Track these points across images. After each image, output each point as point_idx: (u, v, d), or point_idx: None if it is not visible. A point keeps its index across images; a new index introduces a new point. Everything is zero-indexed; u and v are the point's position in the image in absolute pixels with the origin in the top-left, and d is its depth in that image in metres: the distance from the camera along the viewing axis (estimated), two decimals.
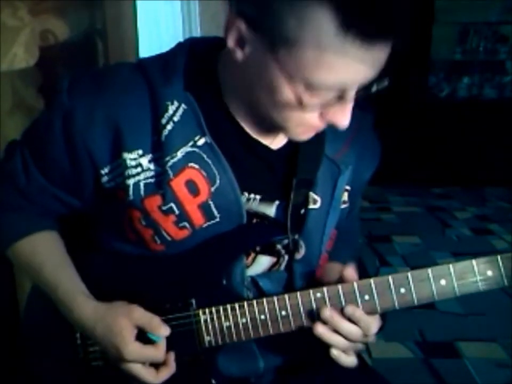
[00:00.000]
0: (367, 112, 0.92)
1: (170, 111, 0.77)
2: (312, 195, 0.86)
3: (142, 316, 0.80)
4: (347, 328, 0.79)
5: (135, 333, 0.79)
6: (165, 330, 0.80)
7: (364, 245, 3.23)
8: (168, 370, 0.81)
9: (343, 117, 0.73)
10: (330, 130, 0.85)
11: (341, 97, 0.70)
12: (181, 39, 0.86)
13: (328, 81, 0.67)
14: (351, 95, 0.70)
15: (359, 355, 0.98)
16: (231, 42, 0.71)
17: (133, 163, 0.77)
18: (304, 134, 0.77)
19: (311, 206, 0.86)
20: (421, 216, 4.00)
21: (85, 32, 1.19)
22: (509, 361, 2.13)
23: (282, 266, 0.90)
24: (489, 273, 0.78)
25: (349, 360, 0.81)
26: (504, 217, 3.86)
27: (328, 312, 0.78)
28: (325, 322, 0.79)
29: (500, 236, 3.52)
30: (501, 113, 4.46)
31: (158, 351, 0.80)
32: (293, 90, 0.69)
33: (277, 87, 0.69)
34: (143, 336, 0.80)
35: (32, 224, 0.89)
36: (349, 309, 0.78)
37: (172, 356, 0.81)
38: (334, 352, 0.80)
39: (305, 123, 0.74)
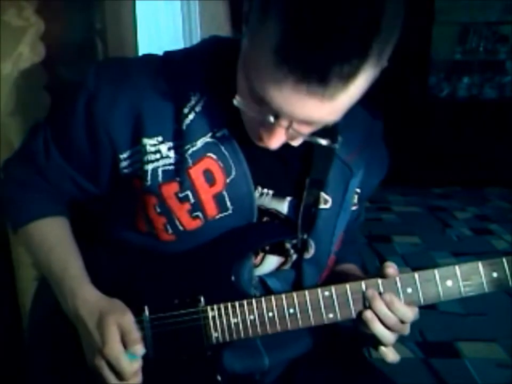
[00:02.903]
0: (377, 120, 0.93)
1: (193, 101, 0.79)
2: (323, 195, 0.86)
3: (130, 323, 0.79)
4: (402, 313, 0.79)
5: (119, 333, 0.78)
6: (140, 348, 0.78)
7: (364, 245, 3.23)
8: (134, 381, 0.79)
9: (269, 139, 0.72)
10: (345, 132, 0.86)
11: (276, 117, 0.68)
12: (181, 39, 0.87)
13: (266, 97, 0.66)
14: (284, 124, 0.69)
15: (361, 353, 0.99)
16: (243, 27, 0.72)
17: (152, 149, 0.79)
18: (257, 141, 0.76)
19: (322, 206, 0.86)
20: (421, 216, 4.00)
21: (84, 32, 1.19)
22: (509, 361, 2.12)
23: (290, 265, 0.90)
24: (495, 275, 0.79)
25: (393, 356, 0.81)
26: (504, 217, 3.86)
27: (388, 297, 0.79)
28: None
29: (500, 236, 3.52)
30: (501, 113, 4.46)
31: (129, 367, 0.77)
32: (246, 87, 0.69)
33: (239, 78, 0.72)
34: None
35: (46, 207, 0.90)
36: (387, 297, 0.79)
37: (140, 371, 0.80)
38: (382, 348, 0.81)
39: (251, 128, 0.75)
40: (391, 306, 0.79)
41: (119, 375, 0.78)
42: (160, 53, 0.87)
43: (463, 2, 4.40)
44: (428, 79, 4.64)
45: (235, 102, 0.71)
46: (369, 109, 0.92)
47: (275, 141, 0.72)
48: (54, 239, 0.89)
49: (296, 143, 0.75)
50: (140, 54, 1.50)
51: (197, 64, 0.82)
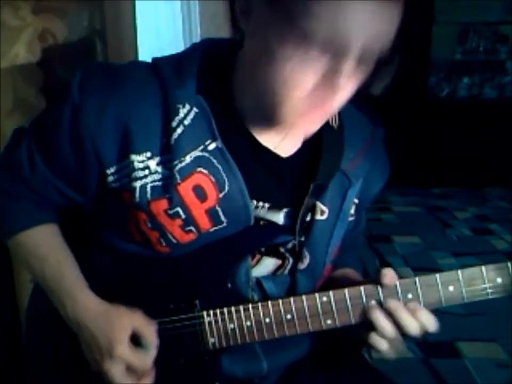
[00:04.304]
0: (378, 128, 0.92)
1: (181, 114, 0.76)
2: (320, 206, 0.85)
3: (143, 319, 0.80)
4: (407, 320, 0.78)
5: (130, 334, 0.79)
6: (155, 342, 0.80)
7: (364, 245, 3.23)
8: (147, 382, 0.80)
9: (333, 95, 0.69)
10: (347, 140, 0.85)
11: (335, 68, 0.66)
12: (181, 39, 0.86)
13: (322, 31, 0.63)
14: (350, 63, 0.66)
15: (361, 355, 0.99)
16: (237, 12, 0.70)
17: (141, 165, 0.77)
18: (305, 122, 0.73)
19: (318, 217, 0.85)
20: (421, 216, 4.00)
21: (83, 32, 1.19)
22: (509, 361, 2.12)
23: (287, 270, 0.89)
24: (499, 280, 0.77)
25: (387, 348, 0.80)
26: (504, 217, 3.86)
27: (412, 305, 0.78)
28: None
29: (500, 236, 3.51)
30: (501, 113, 4.46)
31: (145, 360, 0.79)
32: (292, 46, 0.66)
33: (275, 47, 0.67)
34: (136, 343, 0.79)
35: (34, 216, 0.89)
36: (411, 305, 0.78)
37: (153, 370, 0.80)
38: (376, 338, 0.79)
39: (302, 98, 0.70)
40: (414, 314, 0.78)
41: (134, 373, 0.79)
42: (160, 53, 0.85)
43: (463, 2, 4.40)
44: (428, 79, 4.63)
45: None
46: (370, 117, 0.91)
47: (337, 102, 0.70)
48: (46, 247, 0.87)
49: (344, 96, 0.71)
50: (140, 54, 1.49)
51: (186, 72, 0.78)
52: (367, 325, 0.79)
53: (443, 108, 4.60)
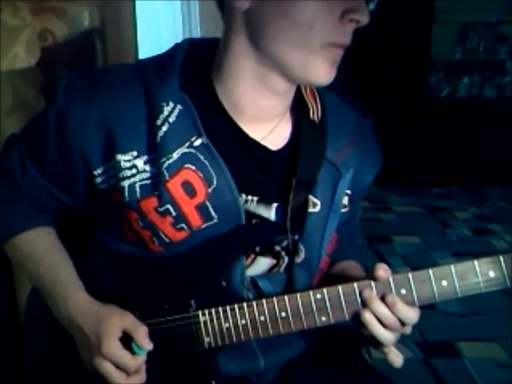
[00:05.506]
0: (367, 118, 0.92)
1: (166, 112, 0.77)
2: (312, 198, 0.85)
3: (133, 321, 0.80)
4: (405, 315, 0.77)
5: (120, 333, 0.79)
6: (148, 344, 0.79)
7: (364, 245, 3.23)
8: (139, 379, 0.80)
9: (364, 10, 0.71)
10: (332, 131, 0.86)
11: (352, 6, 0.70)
12: (181, 39, 0.86)
13: None
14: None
15: (360, 353, 0.99)
16: None
17: (128, 164, 0.77)
18: (329, 66, 0.74)
19: (311, 210, 0.85)
20: (421, 216, 4.00)
21: (83, 32, 1.19)
22: (509, 361, 2.12)
23: (282, 268, 0.89)
24: (492, 274, 0.77)
25: (396, 358, 0.80)
26: (504, 217, 3.85)
27: (390, 298, 0.77)
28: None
29: (500, 236, 3.51)
30: (501, 113, 4.46)
31: (133, 361, 0.78)
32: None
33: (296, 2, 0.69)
34: (127, 346, 0.79)
35: (30, 219, 0.90)
36: (390, 298, 0.77)
37: (144, 367, 0.80)
38: (385, 350, 0.80)
39: (330, 37, 0.72)
40: (393, 308, 0.77)
41: (123, 371, 0.78)
42: (160, 52, 0.85)
43: (463, 2, 4.40)
44: (428, 79, 4.63)
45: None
46: (358, 108, 0.91)
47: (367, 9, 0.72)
48: (42, 248, 0.88)
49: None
50: (140, 54, 1.50)
51: (169, 71, 0.79)
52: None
53: (443, 107, 4.59)
